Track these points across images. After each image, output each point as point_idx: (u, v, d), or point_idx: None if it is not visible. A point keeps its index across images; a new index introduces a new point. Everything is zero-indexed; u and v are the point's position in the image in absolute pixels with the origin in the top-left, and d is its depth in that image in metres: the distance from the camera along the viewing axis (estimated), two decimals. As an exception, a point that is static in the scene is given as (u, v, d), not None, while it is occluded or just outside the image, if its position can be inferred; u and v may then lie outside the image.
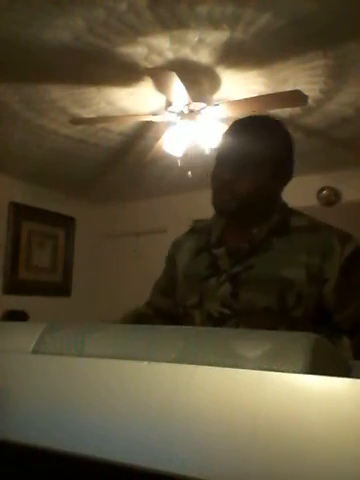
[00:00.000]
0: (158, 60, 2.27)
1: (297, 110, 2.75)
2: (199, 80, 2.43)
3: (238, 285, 1.00)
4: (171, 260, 1.23)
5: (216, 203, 1.08)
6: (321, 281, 0.95)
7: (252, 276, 0.99)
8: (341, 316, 0.97)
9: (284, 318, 0.95)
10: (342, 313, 0.97)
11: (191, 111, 2.51)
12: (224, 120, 2.63)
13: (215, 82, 2.47)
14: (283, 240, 1.02)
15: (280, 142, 1.07)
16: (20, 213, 4.18)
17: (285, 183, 1.09)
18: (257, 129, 1.08)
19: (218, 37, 2.09)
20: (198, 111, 2.52)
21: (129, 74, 2.40)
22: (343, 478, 0.33)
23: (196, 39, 2.10)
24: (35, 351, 0.54)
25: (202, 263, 1.09)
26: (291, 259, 0.98)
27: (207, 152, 2.75)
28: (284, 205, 1.10)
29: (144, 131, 3.10)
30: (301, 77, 2.40)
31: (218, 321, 1.01)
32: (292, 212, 1.09)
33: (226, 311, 1.00)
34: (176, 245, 1.24)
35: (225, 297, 1.00)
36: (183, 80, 2.15)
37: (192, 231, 1.24)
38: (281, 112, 2.76)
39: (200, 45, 2.15)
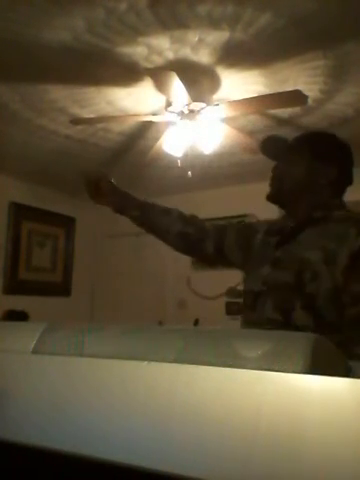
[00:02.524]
0: (158, 60, 2.27)
1: (297, 110, 2.75)
2: (199, 80, 2.43)
3: (275, 266, 1.17)
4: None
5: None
6: (334, 263, 1.05)
7: (284, 258, 1.17)
8: (346, 297, 1.04)
9: (300, 293, 1.08)
10: (346, 294, 1.04)
11: (191, 111, 2.51)
12: (224, 120, 2.64)
13: (215, 82, 2.47)
14: (317, 229, 1.16)
15: (311, 154, 1.26)
16: (20, 213, 4.18)
17: (328, 186, 1.23)
18: (296, 143, 1.31)
19: (218, 37, 2.09)
20: (198, 111, 2.52)
21: (129, 74, 2.39)
22: (343, 478, 0.33)
23: (196, 39, 2.10)
24: (35, 351, 0.54)
25: (262, 247, 1.29)
26: (314, 244, 1.12)
27: (207, 153, 2.75)
28: (336, 205, 1.23)
29: (144, 131, 3.10)
30: (301, 77, 2.40)
31: (255, 295, 1.19)
32: (342, 209, 1.22)
33: (263, 288, 1.17)
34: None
35: (265, 276, 1.18)
36: (183, 80, 2.15)
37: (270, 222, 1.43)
38: (281, 112, 2.76)
39: (200, 45, 2.15)
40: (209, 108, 2.51)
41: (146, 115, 2.75)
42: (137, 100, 2.66)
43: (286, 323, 1.08)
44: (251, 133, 2.97)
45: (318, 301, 1.05)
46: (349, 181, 1.29)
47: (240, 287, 4.05)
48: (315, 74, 2.37)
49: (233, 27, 2.00)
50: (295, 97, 2.32)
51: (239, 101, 2.43)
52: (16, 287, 4.11)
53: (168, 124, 2.68)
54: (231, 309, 4.07)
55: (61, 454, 0.45)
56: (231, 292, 4.06)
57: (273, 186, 1.30)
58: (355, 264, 1.04)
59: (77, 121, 2.81)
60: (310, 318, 1.06)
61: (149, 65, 2.30)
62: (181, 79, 2.13)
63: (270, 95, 2.41)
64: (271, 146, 1.34)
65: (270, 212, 4.14)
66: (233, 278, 4.04)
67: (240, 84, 2.48)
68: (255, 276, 1.23)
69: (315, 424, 0.35)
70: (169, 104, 2.52)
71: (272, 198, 1.30)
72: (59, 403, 0.48)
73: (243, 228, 1.45)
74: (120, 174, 4.14)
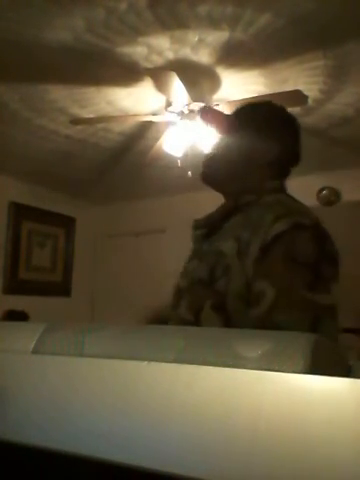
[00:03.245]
0: (158, 60, 2.27)
1: (297, 110, 2.75)
2: (199, 80, 2.43)
3: (199, 260, 1.04)
4: None
5: None
6: (246, 256, 0.91)
7: (206, 251, 1.03)
8: (250, 296, 0.89)
9: (210, 290, 0.94)
10: (251, 292, 0.89)
11: (191, 111, 2.51)
12: (224, 120, 2.63)
13: (215, 82, 2.46)
14: (241, 216, 1.02)
15: (250, 128, 1.11)
16: (20, 213, 4.18)
17: (267, 166, 1.08)
18: (211, 119, 1.18)
19: (218, 37, 2.08)
20: (198, 111, 2.52)
21: (129, 74, 2.39)
22: (343, 478, 0.33)
23: (196, 39, 2.10)
24: (35, 351, 0.54)
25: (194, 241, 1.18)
26: (231, 233, 0.97)
27: (206, 152, 2.75)
28: (272, 188, 1.07)
29: (144, 131, 3.09)
30: (301, 77, 2.40)
31: (180, 292, 1.06)
32: (278, 192, 1.07)
33: (186, 284, 1.04)
34: None
35: (190, 271, 1.06)
36: (183, 80, 2.15)
37: None
38: (281, 112, 2.76)
39: (200, 45, 2.15)
40: (209, 108, 2.51)
41: (146, 115, 2.75)
42: (137, 100, 2.66)
43: (196, 325, 0.93)
44: (251, 133, 2.97)
45: (227, 300, 0.90)
46: (294, 160, 1.13)
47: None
48: (315, 74, 2.37)
49: (233, 27, 2.00)
50: (295, 97, 2.32)
51: (239, 101, 2.43)
52: (16, 287, 4.11)
53: (168, 124, 2.68)
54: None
55: (61, 454, 0.45)
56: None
57: (206, 164, 1.15)
58: (263, 257, 0.88)
59: (77, 121, 2.81)
60: (219, 320, 0.91)
61: (149, 65, 2.30)
62: (181, 79, 2.13)
63: (270, 95, 2.41)
64: (211, 115, 1.18)
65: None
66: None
67: (240, 84, 2.48)
68: (184, 271, 1.11)
69: (315, 424, 0.35)
70: (169, 104, 2.52)
71: (205, 178, 1.14)
72: (59, 403, 0.48)
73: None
74: (120, 174, 4.15)
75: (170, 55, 2.23)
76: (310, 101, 2.55)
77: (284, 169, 1.11)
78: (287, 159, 1.11)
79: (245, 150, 1.09)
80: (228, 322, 0.89)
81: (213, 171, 1.13)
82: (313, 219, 0.94)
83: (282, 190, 1.08)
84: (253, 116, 1.14)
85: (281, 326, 0.81)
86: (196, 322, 0.94)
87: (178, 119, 2.58)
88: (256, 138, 1.08)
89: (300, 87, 2.36)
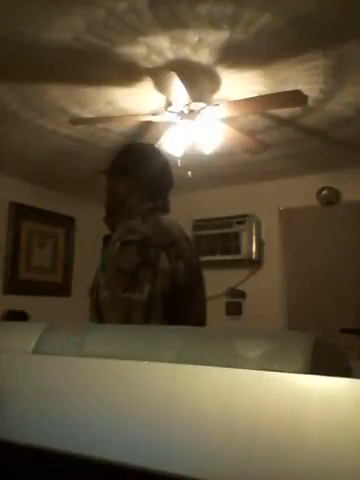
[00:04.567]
0: (158, 60, 2.27)
1: (297, 110, 2.75)
2: (199, 80, 2.43)
3: None
4: None
5: None
6: (103, 268, 1.28)
7: None
8: None
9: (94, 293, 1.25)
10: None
11: (191, 111, 2.51)
12: (224, 120, 2.64)
13: (215, 82, 2.46)
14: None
15: (111, 173, 1.44)
16: (20, 213, 4.18)
17: (130, 197, 1.37)
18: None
19: (218, 37, 2.08)
20: (198, 111, 2.52)
21: (129, 74, 2.39)
22: (343, 478, 0.33)
23: (196, 39, 2.10)
24: (35, 351, 0.54)
25: None
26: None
27: (207, 153, 2.75)
28: (141, 211, 1.32)
29: (144, 131, 3.09)
30: (301, 77, 2.40)
31: None
32: (150, 213, 1.34)
33: None
34: None
35: None
36: (183, 80, 2.15)
37: None
38: (281, 112, 2.76)
39: (200, 45, 2.15)
40: (209, 108, 2.51)
41: (146, 115, 2.75)
42: (137, 100, 2.66)
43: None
44: (251, 133, 2.97)
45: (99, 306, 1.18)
46: (159, 186, 1.41)
47: (240, 287, 4.05)
48: (315, 74, 2.37)
49: (233, 27, 2.00)
50: (295, 97, 2.32)
51: (239, 101, 2.43)
52: (16, 287, 4.11)
53: (168, 124, 2.68)
54: (231, 309, 4.07)
55: (61, 454, 0.45)
56: (231, 292, 4.06)
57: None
58: (104, 269, 1.24)
59: (77, 121, 2.81)
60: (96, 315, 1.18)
61: (149, 65, 2.30)
62: (181, 79, 2.13)
63: (270, 95, 2.41)
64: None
65: (270, 212, 4.15)
66: (233, 278, 4.04)
67: (240, 84, 2.48)
68: None
69: (315, 424, 0.35)
70: (169, 104, 2.52)
71: (104, 220, 1.43)
72: (59, 403, 0.48)
73: None
74: (120, 174, 4.15)
75: (170, 55, 2.23)
76: (310, 101, 2.55)
77: (150, 194, 1.37)
78: (148, 186, 1.38)
79: (114, 192, 1.40)
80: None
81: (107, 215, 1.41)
82: (142, 235, 1.20)
83: (156, 209, 1.35)
84: (114, 161, 1.46)
85: (106, 319, 1.07)
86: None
87: (178, 119, 2.58)
88: (116, 179, 1.40)
89: (300, 87, 2.36)
